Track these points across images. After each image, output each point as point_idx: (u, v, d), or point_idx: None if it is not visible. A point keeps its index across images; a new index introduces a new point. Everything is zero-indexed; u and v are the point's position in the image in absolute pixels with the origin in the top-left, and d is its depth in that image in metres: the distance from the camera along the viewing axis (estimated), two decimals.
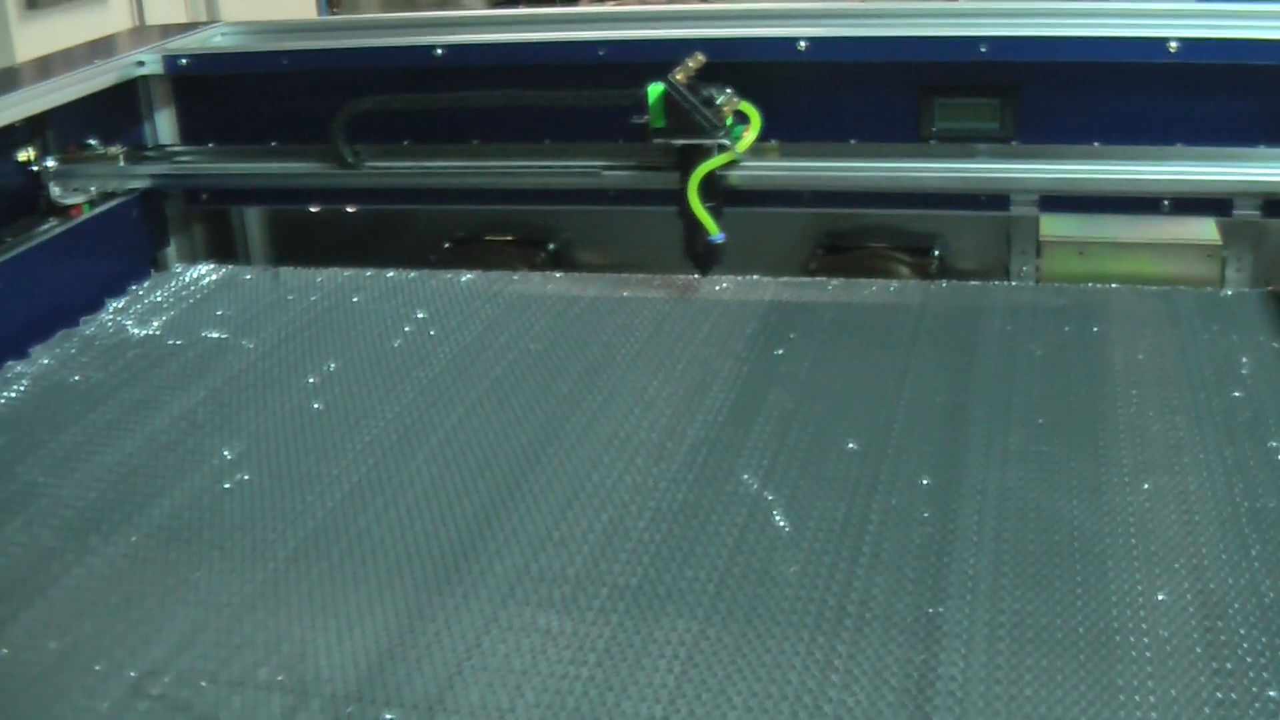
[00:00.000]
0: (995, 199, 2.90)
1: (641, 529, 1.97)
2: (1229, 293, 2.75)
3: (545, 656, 1.72)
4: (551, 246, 3.43)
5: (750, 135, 2.84)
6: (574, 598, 1.83)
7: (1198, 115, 2.88)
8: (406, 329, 2.71)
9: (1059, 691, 1.61)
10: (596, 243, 3.45)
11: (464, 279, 2.95)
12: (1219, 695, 1.60)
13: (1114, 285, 2.77)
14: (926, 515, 1.96)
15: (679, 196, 2.87)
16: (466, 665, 1.71)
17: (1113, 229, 3.00)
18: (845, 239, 3.24)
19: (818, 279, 2.93)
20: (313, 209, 3.45)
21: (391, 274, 3.00)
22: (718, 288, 2.81)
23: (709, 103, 2.80)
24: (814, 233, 3.27)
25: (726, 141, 2.82)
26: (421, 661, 1.72)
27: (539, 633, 1.76)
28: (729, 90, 2.81)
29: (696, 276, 2.88)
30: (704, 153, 2.83)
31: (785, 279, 2.86)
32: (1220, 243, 2.97)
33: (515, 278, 2.98)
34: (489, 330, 2.69)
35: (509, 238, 3.46)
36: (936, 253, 3.19)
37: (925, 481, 2.04)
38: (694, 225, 2.86)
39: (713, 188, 2.90)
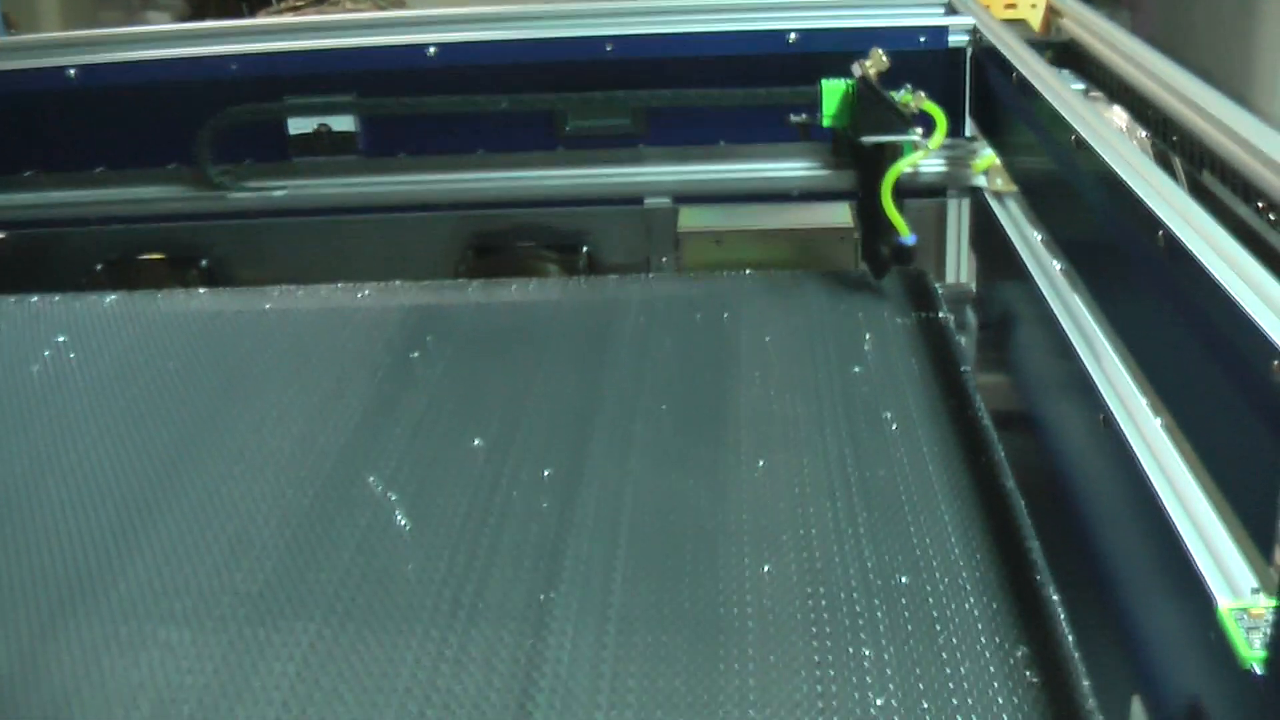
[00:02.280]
0: (629, 194, 2.97)
1: (266, 538, 1.98)
2: (858, 272, 2.84)
3: (163, 668, 1.72)
4: (204, 263, 3.39)
5: (940, 133, 2.64)
6: (195, 609, 1.83)
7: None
8: (46, 354, 2.67)
9: (662, 666, 1.66)
10: (248, 258, 3.43)
11: (108, 300, 2.92)
12: (815, 658, 1.66)
13: (748, 272, 2.84)
14: (545, 506, 2.00)
15: (862, 197, 2.74)
16: (85, 683, 1.70)
17: (749, 218, 3.08)
18: (494, 240, 3.27)
19: (459, 281, 2.96)
20: None
21: (35, 299, 2.95)
22: (359, 295, 2.82)
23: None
24: (464, 235, 3.29)
25: (918, 138, 2.61)
26: (40, 683, 1.71)
27: (159, 646, 1.77)
28: (908, 85, 2.62)
29: (339, 286, 2.87)
30: (893, 151, 2.62)
31: (426, 283, 2.87)
32: (853, 225, 3.06)
33: (160, 297, 2.95)
34: (129, 350, 2.66)
35: (160, 256, 3.42)
36: (585, 249, 3.24)
37: (547, 474, 2.08)
38: (877, 227, 2.67)
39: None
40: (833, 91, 2.67)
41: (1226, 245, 1.53)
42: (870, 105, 2.60)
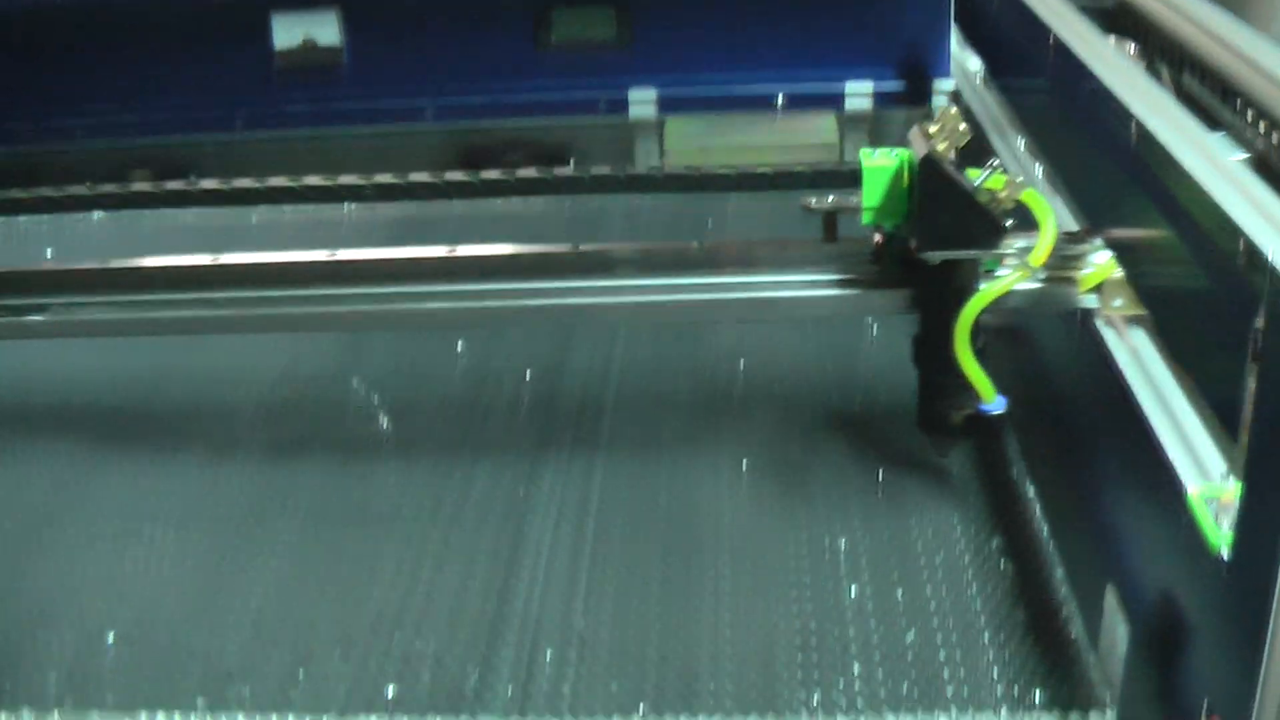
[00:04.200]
0: (614, 104, 2.97)
1: (250, 441, 2.00)
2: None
3: (147, 566, 1.75)
4: (193, 179, 3.40)
5: (1046, 241, 1.69)
6: (179, 511, 1.87)
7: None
8: None
9: (639, 561, 1.68)
10: (237, 175, 3.43)
11: (95, 217, 2.96)
12: (790, 549, 1.68)
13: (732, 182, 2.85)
14: (527, 404, 2.02)
15: (921, 332, 1.81)
16: (70, 581, 1.74)
17: (735, 131, 3.08)
18: (481, 154, 3.26)
19: (444, 194, 2.96)
20: None
21: (23, 219, 2.97)
22: (345, 210, 2.83)
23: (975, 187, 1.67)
24: (450, 150, 3.29)
25: (1013, 252, 1.72)
26: (27, 584, 1.75)
27: (144, 544, 1.80)
28: (996, 163, 1.71)
29: (326, 201, 2.87)
30: (970, 270, 1.72)
31: (414, 198, 2.88)
32: (837, 140, 3.07)
33: (146, 214, 2.97)
34: None
35: (149, 174, 3.41)
36: (571, 161, 3.24)
37: (529, 374, 2.10)
38: (944, 381, 1.79)
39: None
40: (878, 174, 1.72)
41: (1198, 136, 1.54)
42: (939, 198, 1.66)
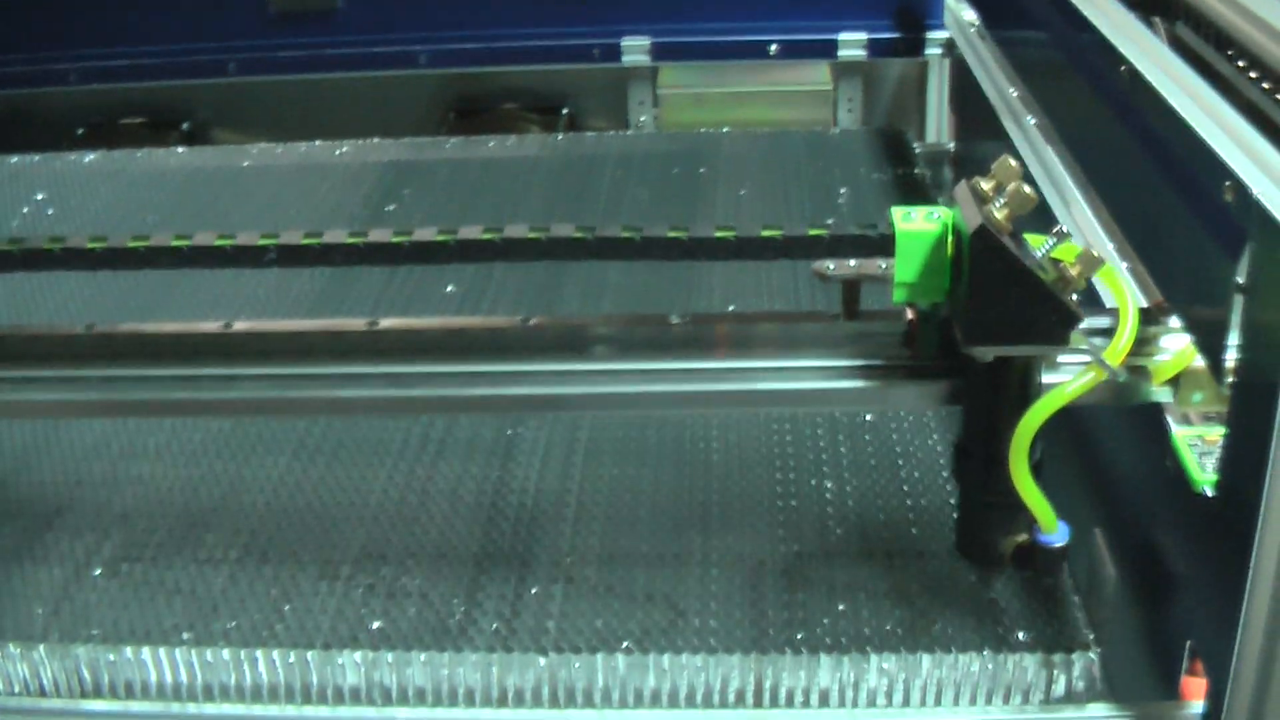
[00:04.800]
0: (608, 51, 2.97)
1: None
2: (837, 131, 2.85)
3: (134, 500, 1.75)
4: (185, 126, 3.40)
5: (1127, 332, 1.33)
6: (166, 445, 1.86)
7: None
8: (25, 210, 2.67)
9: (627, 495, 1.69)
10: (230, 120, 3.43)
11: (87, 159, 2.92)
12: (779, 489, 1.69)
13: (726, 130, 2.85)
14: None
15: (965, 434, 1.45)
16: (56, 518, 1.74)
17: (728, 78, 3.08)
18: (476, 102, 3.27)
19: (436, 139, 2.96)
20: None
21: (14, 159, 2.96)
22: (337, 152, 2.82)
23: (1041, 264, 1.30)
24: (445, 98, 3.29)
25: (1087, 346, 1.35)
26: (16, 515, 1.75)
27: (130, 481, 1.80)
28: (1061, 227, 1.32)
29: (318, 143, 2.87)
30: (1027, 368, 1.36)
31: (405, 140, 2.88)
32: (831, 87, 3.07)
33: (139, 155, 2.95)
34: (108, 207, 2.67)
35: (141, 120, 3.42)
36: (565, 110, 3.25)
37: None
38: (995, 503, 1.44)
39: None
40: (915, 240, 1.33)
41: (1188, 79, 1.54)
42: (996, 281, 1.29)
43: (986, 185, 1.31)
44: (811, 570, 1.55)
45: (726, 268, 2.19)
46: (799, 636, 1.45)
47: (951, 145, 2.98)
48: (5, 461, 1.85)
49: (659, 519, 1.65)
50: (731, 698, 1.43)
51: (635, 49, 3.00)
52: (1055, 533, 1.41)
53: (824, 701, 1.43)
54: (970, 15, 2.86)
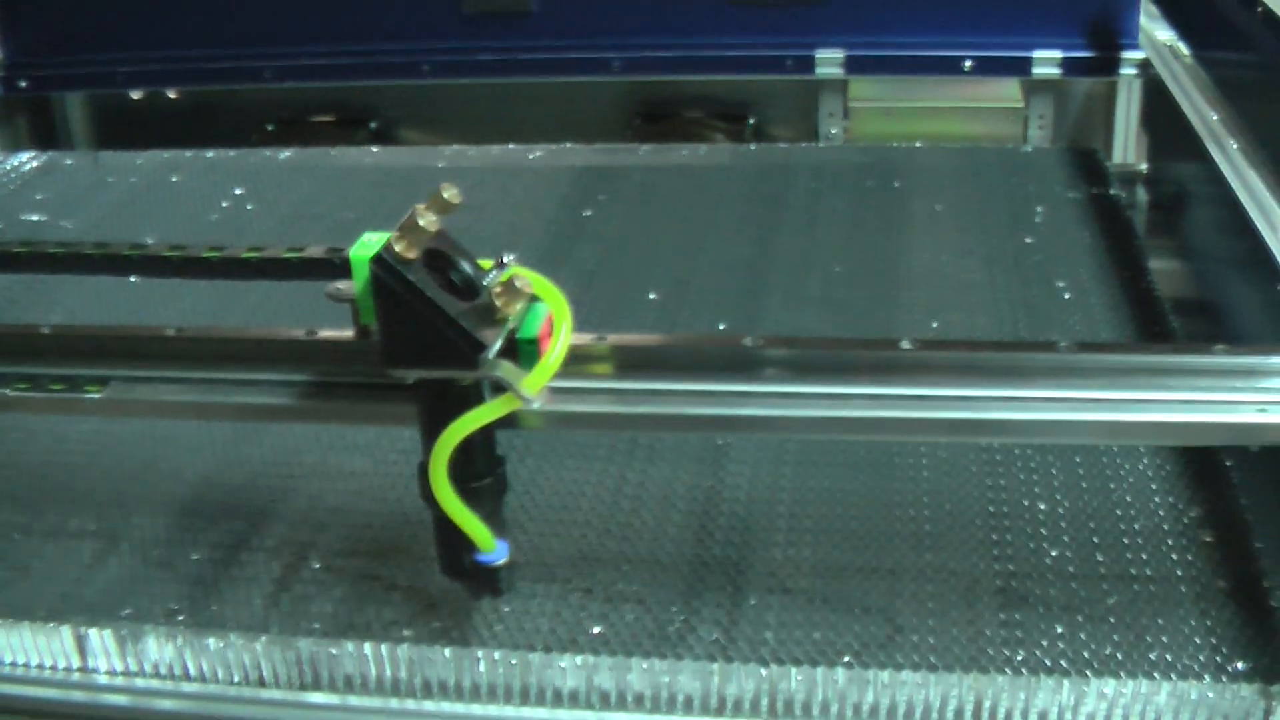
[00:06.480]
0: (801, 62, 2.97)
1: None
2: (1029, 148, 2.83)
3: None
4: (373, 125, 3.45)
5: (554, 355, 1.36)
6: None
7: None
8: (224, 204, 2.72)
9: (838, 507, 1.69)
10: (416, 121, 3.47)
11: (283, 155, 2.97)
12: (990, 508, 1.68)
13: (918, 143, 2.84)
14: None
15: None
16: None
17: (918, 92, 3.08)
18: (661, 108, 3.28)
19: (629, 145, 2.97)
20: (134, 95, 3.44)
21: (211, 154, 3.01)
22: (530, 156, 2.84)
23: (469, 287, 1.35)
24: (630, 103, 3.31)
25: (501, 374, 1.34)
26: None
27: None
28: (508, 257, 1.39)
29: (512, 146, 2.89)
30: (459, 395, 1.38)
31: (598, 145, 2.89)
32: (1022, 104, 3.05)
33: (333, 152, 2.99)
34: (305, 202, 2.71)
35: (331, 118, 3.47)
36: (751, 120, 3.26)
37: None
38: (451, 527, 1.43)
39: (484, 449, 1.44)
40: (361, 264, 1.35)
41: None
42: (396, 305, 1.33)
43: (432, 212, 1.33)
44: (1027, 590, 1.54)
45: (928, 283, 2.19)
46: (1019, 657, 1.44)
47: (1144, 166, 2.95)
48: (213, 457, 1.88)
49: (870, 532, 1.65)
50: (951, 715, 1.42)
51: (829, 61, 3.00)
52: (491, 551, 1.44)
53: None
54: (1166, 35, 2.84)
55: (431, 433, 1.38)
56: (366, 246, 1.34)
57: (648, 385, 1.43)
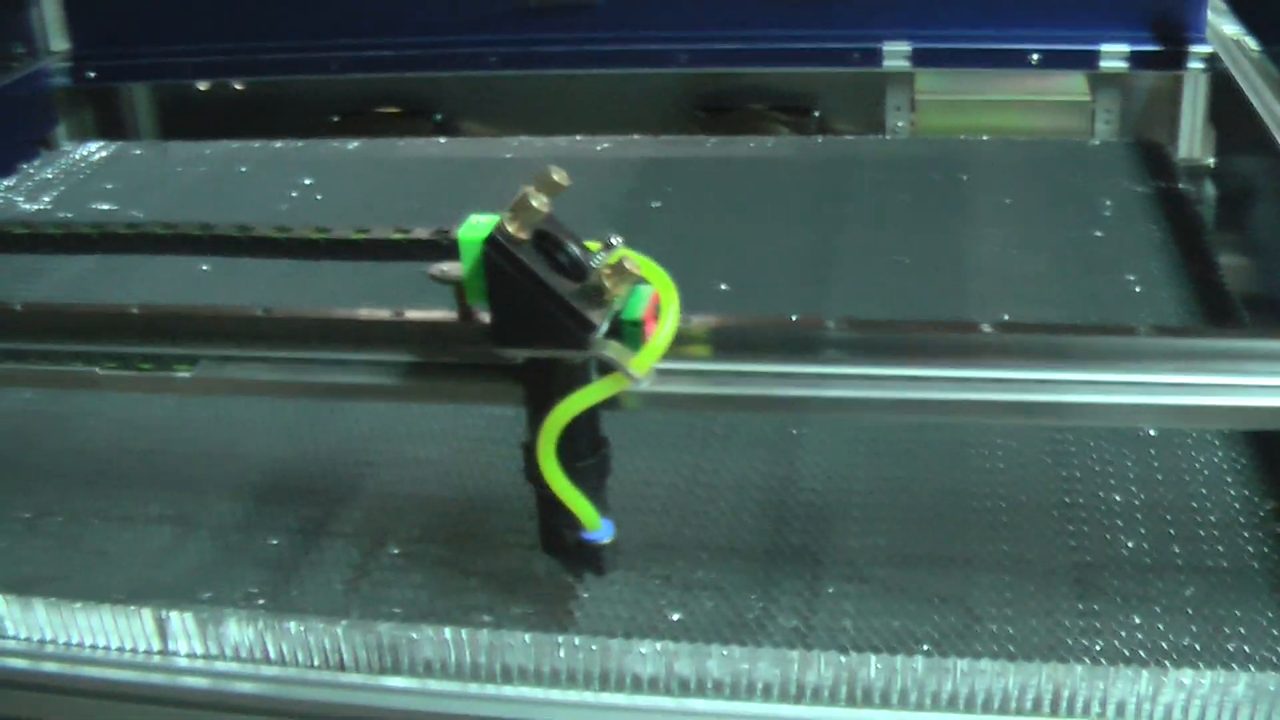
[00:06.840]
0: (868, 55, 2.97)
1: None
2: (1096, 142, 2.82)
3: None
4: (438, 117, 3.46)
5: (662, 335, 1.39)
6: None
7: None
8: (293, 194, 2.73)
9: (912, 497, 1.69)
10: (480, 113, 3.48)
11: (350, 146, 2.98)
12: (1065, 499, 1.68)
13: (984, 137, 2.84)
14: None
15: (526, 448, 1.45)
16: None
17: (985, 85, 3.07)
18: (725, 101, 3.29)
19: (696, 137, 2.98)
20: (201, 86, 3.46)
21: (279, 144, 3.03)
22: (598, 147, 2.85)
23: (577, 269, 1.37)
24: (694, 95, 3.31)
25: (610, 354, 1.37)
26: None
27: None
28: (615, 239, 1.42)
29: (579, 138, 2.90)
30: (566, 374, 1.41)
31: (664, 137, 2.90)
32: (1089, 98, 3.05)
33: (400, 144, 3.01)
34: (373, 192, 2.72)
35: (395, 109, 3.48)
36: (816, 113, 3.26)
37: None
38: (557, 506, 1.46)
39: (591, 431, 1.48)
40: (470, 246, 1.38)
41: None
42: (508, 286, 1.37)
43: (542, 192, 1.35)
44: (1104, 580, 1.54)
45: (995, 275, 2.19)
46: (1096, 647, 1.44)
47: (1211, 160, 2.94)
48: (285, 444, 1.89)
49: (944, 521, 1.65)
50: (1029, 705, 1.42)
51: (896, 54, 2.99)
52: (597, 530, 1.47)
53: (1120, 713, 1.42)
54: (1233, 29, 2.83)
55: (538, 413, 1.41)
56: (474, 228, 1.37)
57: (739, 367, 1.46)
